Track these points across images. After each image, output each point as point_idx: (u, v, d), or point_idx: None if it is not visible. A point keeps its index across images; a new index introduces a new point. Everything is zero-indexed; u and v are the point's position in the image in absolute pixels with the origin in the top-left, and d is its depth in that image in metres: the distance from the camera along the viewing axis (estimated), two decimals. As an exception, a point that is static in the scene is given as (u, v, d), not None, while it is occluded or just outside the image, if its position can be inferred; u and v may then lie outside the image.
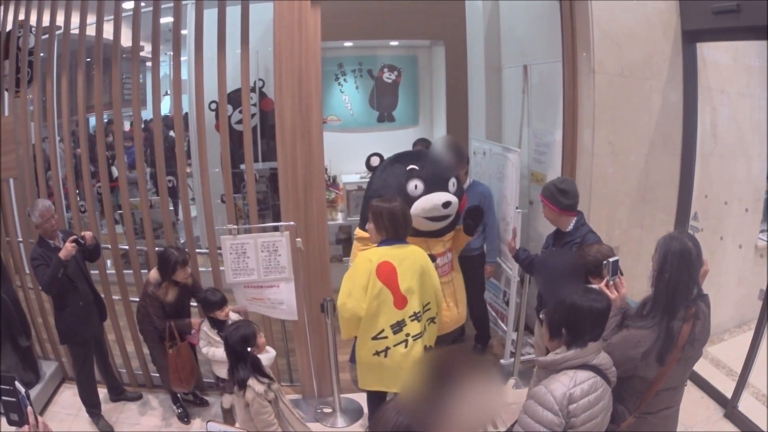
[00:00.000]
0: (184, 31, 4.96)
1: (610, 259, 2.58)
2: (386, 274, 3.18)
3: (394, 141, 7.18)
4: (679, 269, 2.35)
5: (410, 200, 3.64)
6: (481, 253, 4.82)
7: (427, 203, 3.66)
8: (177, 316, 3.99)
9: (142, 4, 4.28)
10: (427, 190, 3.67)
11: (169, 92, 6.43)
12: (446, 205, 3.66)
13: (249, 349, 2.97)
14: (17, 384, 1.93)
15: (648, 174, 4.45)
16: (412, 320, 3.25)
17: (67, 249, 3.68)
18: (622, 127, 4.32)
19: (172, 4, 4.03)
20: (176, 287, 3.93)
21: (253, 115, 6.29)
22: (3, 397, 1.93)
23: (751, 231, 5.25)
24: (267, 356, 3.44)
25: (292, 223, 3.94)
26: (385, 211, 3.25)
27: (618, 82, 4.24)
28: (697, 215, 4.54)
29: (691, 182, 4.56)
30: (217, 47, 3.94)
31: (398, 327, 3.25)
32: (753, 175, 5.11)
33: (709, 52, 4.51)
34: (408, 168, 3.74)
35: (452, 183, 3.83)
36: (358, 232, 3.93)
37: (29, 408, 1.93)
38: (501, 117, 5.87)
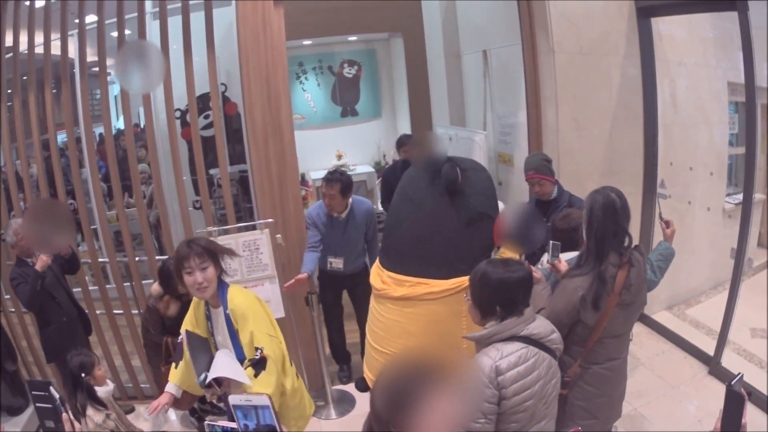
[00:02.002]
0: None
1: (552, 242, 2.86)
2: None
3: (359, 134, 7.48)
4: (605, 219, 2.58)
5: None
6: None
7: None
8: (175, 330, 3.76)
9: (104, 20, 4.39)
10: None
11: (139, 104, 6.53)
12: None
13: (84, 376, 3.17)
14: (52, 389, 1.90)
15: (613, 147, 4.72)
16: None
17: (42, 260, 3.72)
18: (584, 104, 4.58)
19: (135, 15, 4.15)
20: (179, 302, 3.71)
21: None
22: (37, 404, 1.91)
23: (717, 194, 5.58)
24: (105, 389, 3.34)
25: (270, 220, 4.09)
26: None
27: (578, 60, 4.51)
28: (664, 183, 4.81)
29: (655, 152, 4.84)
30: (183, 54, 4.07)
31: None
32: (715, 142, 5.41)
33: (664, 26, 4.80)
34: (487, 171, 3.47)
35: None
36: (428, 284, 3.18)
37: (65, 415, 1.89)
38: (463, 103, 6.15)
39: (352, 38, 7.32)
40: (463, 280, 2.92)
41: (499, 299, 2.21)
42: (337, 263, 4.40)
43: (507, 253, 3.05)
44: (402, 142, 5.42)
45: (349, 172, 7.21)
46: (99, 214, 4.46)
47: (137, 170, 4.34)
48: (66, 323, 4.06)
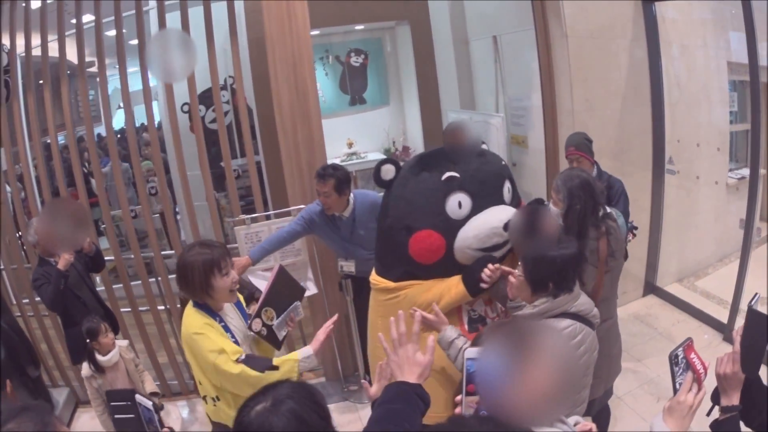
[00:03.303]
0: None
1: None
2: None
3: (368, 122, 7.69)
4: (585, 198, 2.77)
5: (453, 226, 2.74)
6: None
7: (482, 228, 2.73)
8: None
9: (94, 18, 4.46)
10: (477, 207, 2.76)
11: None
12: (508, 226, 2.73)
13: (90, 342, 3.55)
14: (139, 398, 1.82)
15: (623, 126, 5.01)
16: None
17: (64, 258, 3.71)
18: (596, 85, 4.85)
19: (133, 12, 4.26)
20: None
21: (226, 113, 6.55)
22: (116, 416, 1.85)
23: (723, 170, 5.92)
24: (105, 358, 3.58)
25: (303, 206, 4.26)
26: None
27: (589, 44, 4.77)
28: (672, 159, 5.11)
29: (662, 129, 5.14)
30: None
31: None
32: (717, 119, 5.75)
33: (667, 10, 5.09)
34: (445, 176, 2.77)
35: (507, 188, 2.92)
36: (378, 280, 3.02)
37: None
38: (473, 87, 6.40)
39: (359, 27, 7.53)
40: (379, 281, 2.96)
41: (552, 276, 2.25)
42: (348, 266, 4.10)
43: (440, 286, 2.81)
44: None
45: (360, 160, 7.46)
46: (122, 209, 4.53)
47: (161, 164, 4.50)
48: None
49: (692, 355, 1.67)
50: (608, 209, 3.04)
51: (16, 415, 1.44)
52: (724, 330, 4.65)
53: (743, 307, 4.63)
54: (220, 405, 2.56)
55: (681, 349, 1.67)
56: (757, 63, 4.36)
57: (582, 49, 4.75)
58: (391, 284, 2.90)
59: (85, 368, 3.60)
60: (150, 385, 3.81)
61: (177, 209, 6.75)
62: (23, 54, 4.39)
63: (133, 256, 4.55)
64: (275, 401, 1.40)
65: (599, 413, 3.26)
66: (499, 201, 2.82)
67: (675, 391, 1.62)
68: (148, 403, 1.80)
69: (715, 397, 1.86)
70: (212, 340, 2.43)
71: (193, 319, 2.48)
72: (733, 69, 5.71)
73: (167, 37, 3.66)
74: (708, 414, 1.82)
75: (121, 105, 6.80)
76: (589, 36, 4.77)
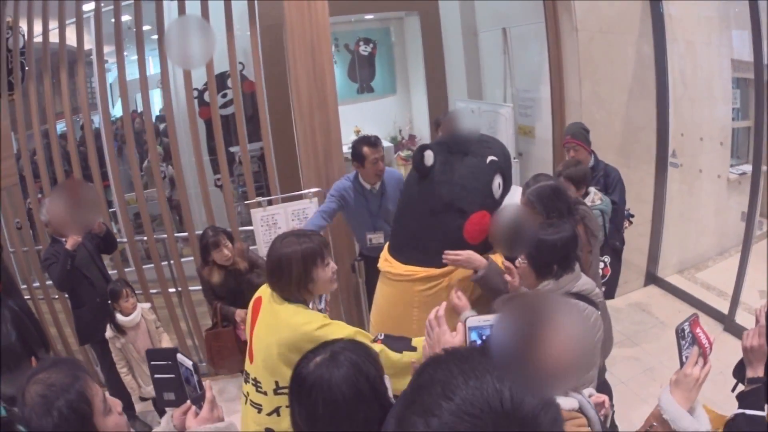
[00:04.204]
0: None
1: None
2: (253, 312, 2.48)
3: (375, 110, 7.93)
4: (560, 204, 2.87)
5: (496, 205, 2.97)
6: None
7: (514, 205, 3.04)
8: (231, 299, 3.95)
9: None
10: (506, 187, 3.06)
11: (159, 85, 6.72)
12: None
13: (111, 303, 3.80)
14: (180, 357, 1.76)
15: (629, 119, 5.21)
16: (253, 384, 2.40)
17: (73, 238, 3.75)
18: (604, 79, 5.05)
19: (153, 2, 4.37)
20: (222, 270, 3.88)
21: (232, 101, 6.67)
22: (156, 375, 1.79)
23: (726, 164, 6.14)
24: (127, 319, 3.83)
25: (318, 189, 4.41)
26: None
27: (598, 38, 4.97)
28: (675, 152, 5.32)
29: (666, 124, 5.35)
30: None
31: (246, 377, 2.50)
32: (720, 115, 5.97)
33: (673, 8, 5.28)
34: (489, 160, 2.96)
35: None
36: (415, 270, 2.99)
37: (207, 383, 1.76)
38: (480, 78, 6.61)
39: (369, 17, 7.71)
40: (417, 271, 2.93)
41: (556, 258, 2.35)
42: (377, 238, 4.22)
43: (498, 258, 2.89)
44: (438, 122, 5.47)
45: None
46: (137, 193, 4.66)
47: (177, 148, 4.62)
48: (99, 304, 4.01)
49: (698, 330, 1.76)
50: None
51: (48, 368, 1.53)
52: (725, 321, 4.84)
53: (744, 299, 4.83)
54: None
55: (687, 323, 1.76)
56: (762, 61, 4.57)
57: (591, 44, 4.94)
58: (435, 271, 2.91)
59: (108, 329, 3.82)
60: (166, 343, 4.00)
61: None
62: (40, 39, 4.47)
63: (146, 237, 4.69)
64: (333, 353, 1.49)
65: (601, 388, 3.43)
66: (511, 181, 3.10)
67: (681, 364, 1.71)
68: (188, 363, 1.74)
69: (737, 373, 2.03)
70: (343, 327, 2.27)
71: (305, 315, 2.28)
72: (736, 66, 5.91)
73: (186, 24, 3.81)
74: (733, 390, 1.99)
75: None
76: (598, 30, 4.96)
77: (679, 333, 1.72)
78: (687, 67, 5.52)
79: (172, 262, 4.77)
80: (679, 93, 5.43)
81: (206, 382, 1.76)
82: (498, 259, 2.85)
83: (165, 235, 4.75)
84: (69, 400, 1.46)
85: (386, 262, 3.11)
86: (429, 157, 2.95)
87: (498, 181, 2.94)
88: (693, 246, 5.91)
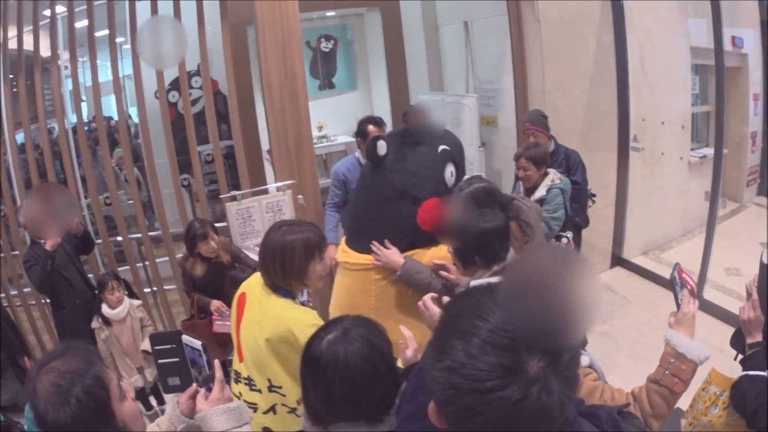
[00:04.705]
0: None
1: None
2: (238, 308, 2.42)
3: (336, 106, 8.04)
4: (492, 205, 2.75)
5: (448, 193, 3.03)
6: None
7: None
8: (212, 293, 3.97)
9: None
10: (459, 176, 3.11)
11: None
12: None
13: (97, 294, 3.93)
14: (186, 338, 1.72)
15: (591, 106, 5.41)
16: (246, 383, 2.33)
17: (52, 239, 3.75)
18: (566, 67, 5.25)
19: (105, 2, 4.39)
20: (205, 262, 3.92)
21: (199, 99, 6.70)
22: (160, 360, 1.77)
23: (687, 146, 6.41)
24: (113, 312, 3.91)
25: (293, 181, 4.49)
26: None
27: (560, 28, 5.16)
28: (637, 137, 5.54)
29: (627, 109, 5.57)
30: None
31: (236, 376, 2.40)
32: (679, 100, 6.23)
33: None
34: (440, 149, 3.04)
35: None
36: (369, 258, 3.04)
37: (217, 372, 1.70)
38: (442, 71, 6.78)
39: (330, 14, 7.78)
40: (373, 259, 2.98)
41: (477, 249, 2.34)
42: None
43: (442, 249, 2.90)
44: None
45: (330, 143, 7.74)
46: (112, 194, 4.70)
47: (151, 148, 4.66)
48: (80, 306, 4.05)
49: (684, 275, 1.96)
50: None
51: (60, 355, 1.45)
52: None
53: (710, 276, 5.05)
54: None
55: (675, 272, 1.97)
56: (722, 48, 4.81)
57: (553, 34, 5.13)
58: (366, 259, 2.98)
59: (95, 320, 3.91)
60: (146, 346, 4.00)
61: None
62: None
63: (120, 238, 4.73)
64: (345, 330, 1.51)
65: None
66: (464, 172, 3.17)
67: (678, 306, 1.89)
68: (197, 343, 1.74)
69: (734, 343, 2.24)
70: None
71: (296, 310, 2.24)
72: (695, 53, 6.17)
73: (159, 25, 3.86)
74: (735, 359, 2.20)
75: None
76: (560, 21, 5.14)
77: (672, 281, 1.93)
78: (646, 54, 5.74)
79: (147, 263, 4.79)
80: (639, 79, 5.65)
81: (215, 361, 1.71)
82: (445, 250, 2.87)
83: (139, 234, 4.76)
84: (86, 385, 1.40)
85: (344, 253, 3.16)
86: (382, 147, 2.99)
87: (450, 169, 3.02)
88: (657, 228, 6.15)
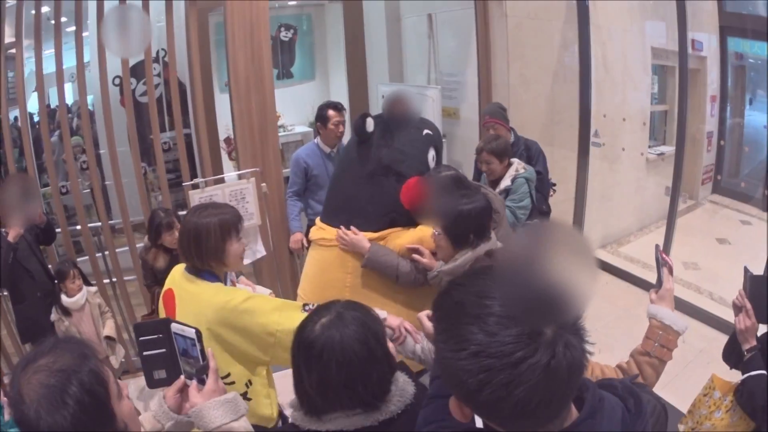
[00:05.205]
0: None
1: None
2: (167, 306, 2.42)
3: (294, 96, 7.95)
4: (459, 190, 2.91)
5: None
6: None
7: None
8: None
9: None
10: (437, 163, 3.19)
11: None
12: None
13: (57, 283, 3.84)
14: (176, 327, 1.59)
15: (554, 100, 5.54)
16: None
17: (15, 229, 3.62)
18: (531, 62, 5.35)
19: None
20: (167, 254, 3.77)
21: (157, 86, 6.59)
22: (145, 353, 1.63)
23: (646, 143, 6.60)
24: (71, 300, 3.86)
25: (257, 168, 4.47)
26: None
27: (526, 24, 5.26)
28: (598, 132, 5.68)
29: (588, 105, 5.69)
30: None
31: None
32: (640, 98, 6.40)
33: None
34: (425, 133, 3.12)
35: None
36: (325, 230, 3.12)
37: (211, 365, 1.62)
38: (402, 63, 6.82)
39: (291, 3, 7.74)
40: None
41: (472, 227, 2.46)
42: None
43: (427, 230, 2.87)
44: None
45: (287, 132, 7.72)
46: (72, 183, 4.59)
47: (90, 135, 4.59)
48: (41, 299, 3.93)
49: (663, 255, 2.05)
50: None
51: (49, 351, 1.27)
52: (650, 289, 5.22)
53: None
54: (255, 389, 2.32)
55: (657, 253, 2.06)
56: (686, 49, 4.98)
57: (519, 29, 5.22)
58: (372, 235, 2.96)
59: (53, 312, 3.83)
60: (109, 329, 3.99)
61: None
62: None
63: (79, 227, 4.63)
64: (339, 313, 1.49)
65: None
66: (442, 159, 3.27)
67: (660, 283, 1.99)
68: (189, 331, 1.56)
69: (727, 357, 2.42)
70: (267, 299, 2.29)
71: (227, 292, 2.26)
72: (655, 54, 6.36)
73: (123, 13, 3.81)
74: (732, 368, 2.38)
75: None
76: (526, 16, 5.24)
77: (657, 261, 2.02)
78: (609, 52, 5.89)
79: (107, 253, 4.70)
80: (602, 76, 5.79)
81: (208, 350, 1.59)
82: (427, 231, 2.87)
83: (99, 223, 4.63)
84: (84, 383, 1.22)
85: (320, 230, 3.15)
86: (370, 123, 3.02)
87: (431, 153, 3.08)
88: (615, 222, 6.31)
